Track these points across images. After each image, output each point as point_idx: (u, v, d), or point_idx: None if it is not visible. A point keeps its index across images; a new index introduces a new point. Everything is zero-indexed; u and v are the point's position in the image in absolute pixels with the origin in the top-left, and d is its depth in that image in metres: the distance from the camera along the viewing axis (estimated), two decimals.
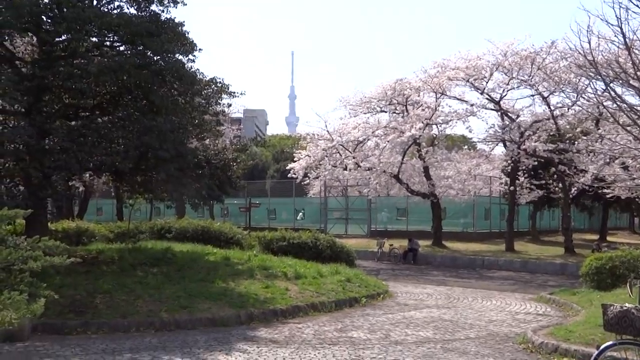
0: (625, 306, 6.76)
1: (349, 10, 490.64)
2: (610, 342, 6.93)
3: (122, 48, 14.86)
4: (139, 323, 11.14)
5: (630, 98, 16.86)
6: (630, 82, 13.09)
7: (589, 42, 13.65)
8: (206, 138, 16.11)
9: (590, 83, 29.26)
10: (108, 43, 14.77)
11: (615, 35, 12.63)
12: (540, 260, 29.57)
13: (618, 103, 16.56)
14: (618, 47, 13.46)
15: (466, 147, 42.89)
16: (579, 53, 23.36)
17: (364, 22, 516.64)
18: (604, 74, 13.53)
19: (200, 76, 15.32)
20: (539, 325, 12.75)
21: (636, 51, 12.59)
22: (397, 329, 11.68)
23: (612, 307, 6.82)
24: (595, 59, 13.64)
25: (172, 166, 13.30)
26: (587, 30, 13.75)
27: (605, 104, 25.69)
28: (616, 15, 11.95)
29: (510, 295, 19.11)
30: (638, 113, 14.83)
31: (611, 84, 25.40)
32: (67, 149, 13.29)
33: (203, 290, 13.04)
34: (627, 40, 12.13)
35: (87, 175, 19.01)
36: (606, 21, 12.34)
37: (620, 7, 11.89)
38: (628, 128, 23.97)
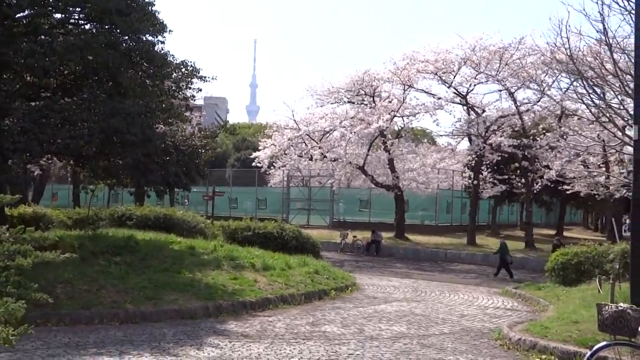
0: (621, 306, 6.63)
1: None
2: (604, 343, 6.80)
3: (88, 26, 14.19)
4: (103, 315, 10.63)
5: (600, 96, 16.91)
6: (609, 78, 13.06)
7: (568, 39, 13.57)
8: (174, 123, 15.52)
9: (556, 80, 29.93)
10: (74, 20, 14.07)
11: (597, 32, 12.54)
12: None
13: (586, 100, 16.73)
14: (599, 44, 13.40)
15: (426, 140, 42.84)
16: (551, 49, 23.57)
17: (328, 11, 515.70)
18: (582, 70, 13.46)
19: (171, 58, 14.75)
20: (512, 320, 12.70)
21: (615, 50, 12.55)
22: (370, 323, 11.45)
23: (607, 307, 6.67)
24: (574, 55, 13.57)
25: (140, 151, 12.74)
26: (566, 27, 13.69)
27: (567, 101, 26.16)
28: (599, 12, 11.87)
29: (475, 289, 19.13)
30: (608, 110, 14.90)
31: (574, 83, 25.82)
32: (27, 130, 12.63)
33: (169, 281, 12.57)
34: (608, 37, 12.07)
35: (46, 158, 18.20)
36: (588, 17, 12.27)
37: (602, 3, 11.80)
38: (591, 126, 24.35)
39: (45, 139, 12.43)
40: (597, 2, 12.29)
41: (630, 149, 22.13)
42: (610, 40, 12.33)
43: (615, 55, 12.41)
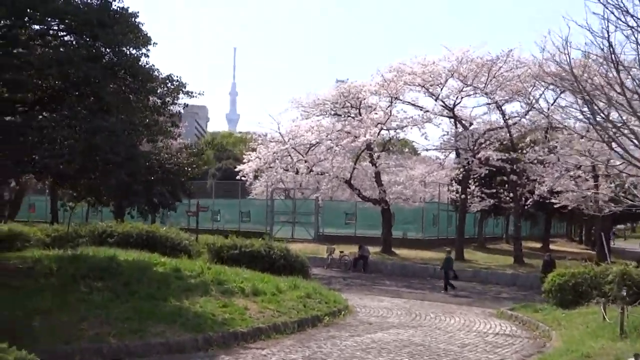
0: None
1: (293, 6, 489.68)
2: None
3: (68, 38, 13.41)
4: (84, 350, 9.86)
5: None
6: (616, 97, 12.59)
7: (569, 55, 13.10)
8: (159, 140, 14.78)
9: (543, 94, 29.71)
10: (53, 32, 13.29)
11: (601, 49, 12.07)
12: (491, 270, 29.38)
13: (575, 115, 16.35)
14: (601, 61, 12.94)
15: (407, 150, 42.05)
16: (539, 63, 23.18)
17: (310, 19, 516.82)
18: (582, 86, 12.99)
19: (156, 73, 14.02)
20: (513, 350, 12.16)
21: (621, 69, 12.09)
22: (369, 356, 10.82)
23: None
24: (576, 73, 13.10)
25: (123, 171, 11.98)
26: (566, 42, 13.22)
27: (556, 115, 25.88)
28: (602, 27, 11.41)
29: (469, 310, 18.59)
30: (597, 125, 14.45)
31: (562, 95, 25.47)
32: (2, 149, 11.84)
33: (155, 310, 11.80)
34: (614, 54, 11.60)
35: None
36: (591, 31, 11.80)
37: (607, 20, 11.34)
38: (581, 141, 23.98)
39: (22, 159, 11.63)
40: (602, 19, 11.84)
41: (617, 163, 21.95)
42: (616, 58, 11.87)
43: (621, 75, 11.95)
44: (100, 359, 9.74)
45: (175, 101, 14.61)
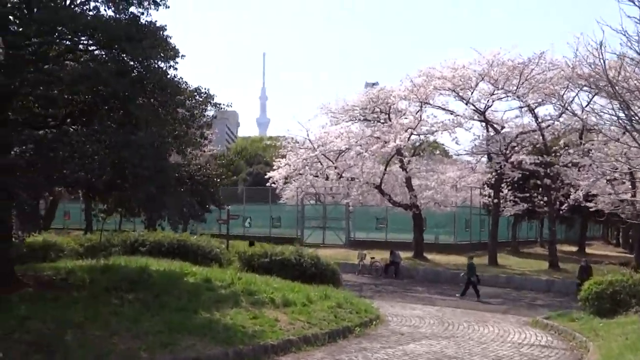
0: None
1: (321, 12, 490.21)
2: None
3: (97, 52, 13.54)
4: None
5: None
6: None
7: (603, 60, 12.76)
8: (187, 151, 14.84)
9: (577, 96, 29.12)
10: (82, 47, 13.42)
11: (637, 52, 11.74)
12: (526, 276, 28.92)
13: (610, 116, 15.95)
14: (636, 62, 12.59)
15: (438, 152, 41.59)
16: (572, 65, 22.73)
17: (337, 23, 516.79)
18: (619, 91, 12.66)
19: (184, 85, 14.07)
20: None
21: None
22: None
23: None
24: (609, 76, 12.78)
25: (152, 185, 12.02)
26: (601, 46, 12.89)
27: (591, 116, 25.32)
28: (638, 30, 11.08)
29: (503, 319, 18.27)
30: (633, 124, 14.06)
31: (595, 97, 24.92)
32: (34, 164, 11.96)
33: (185, 323, 11.79)
34: None
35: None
36: (627, 35, 11.47)
37: None
38: (617, 143, 23.41)
39: (52, 173, 11.75)
40: (637, 22, 11.52)
41: None
42: None
43: None
44: None
45: (204, 113, 14.66)
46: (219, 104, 14.56)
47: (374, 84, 55.12)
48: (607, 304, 16.65)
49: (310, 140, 33.88)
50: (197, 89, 14.31)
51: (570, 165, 29.46)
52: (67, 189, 13.94)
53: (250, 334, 11.85)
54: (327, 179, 33.38)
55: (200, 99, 14.29)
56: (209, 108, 14.59)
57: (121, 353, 10.27)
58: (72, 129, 13.61)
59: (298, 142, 35.23)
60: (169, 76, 13.35)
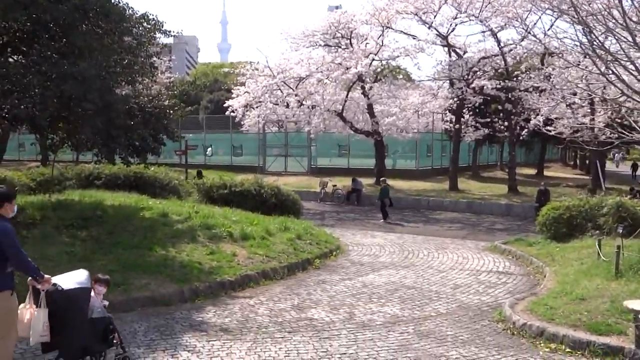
0: None
1: None
2: None
3: None
4: None
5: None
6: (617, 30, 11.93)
7: None
8: (137, 82, 14.10)
9: (540, 19, 28.73)
10: None
11: None
12: (485, 201, 29.27)
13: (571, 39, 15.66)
14: None
15: (401, 77, 41.25)
16: None
17: None
18: (583, 17, 12.30)
19: (130, 12, 13.18)
20: (507, 290, 11.99)
21: None
22: (360, 303, 10.60)
23: None
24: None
25: (99, 119, 11.40)
26: None
27: (553, 41, 25.03)
28: None
29: (463, 244, 18.46)
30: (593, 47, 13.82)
31: (559, 19, 24.58)
32: None
33: (140, 261, 11.48)
34: None
35: None
36: None
37: None
38: (577, 67, 23.25)
39: None
40: None
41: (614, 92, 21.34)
42: None
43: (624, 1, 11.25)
44: None
45: (152, 42, 13.86)
46: (168, 31, 13.77)
47: (337, 7, 53.71)
48: (564, 229, 16.86)
49: (269, 67, 32.98)
50: (143, 15, 13.46)
51: (531, 90, 29.36)
52: (9, 125, 13.15)
53: (207, 271, 11.63)
54: (287, 106, 32.73)
55: (149, 26, 13.46)
56: (158, 35, 13.79)
57: None
58: (11, 60, 12.78)
59: (257, 69, 34.28)
60: (113, 2, 12.47)
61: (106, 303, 7.42)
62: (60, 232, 12.99)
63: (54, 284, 6.45)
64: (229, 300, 10.59)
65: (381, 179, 27.32)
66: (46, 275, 6.45)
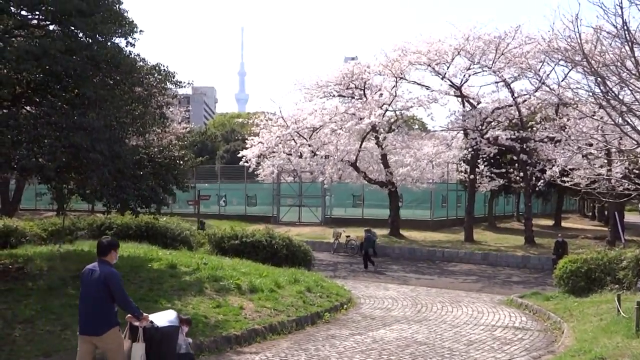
0: None
1: None
2: None
3: (52, 28, 12.71)
4: None
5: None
6: (629, 79, 11.78)
7: (579, 33, 12.26)
8: (148, 133, 14.14)
9: (553, 70, 28.74)
10: (34, 23, 12.58)
11: (614, 26, 11.24)
12: (501, 252, 28.74)
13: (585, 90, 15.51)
14: (615, 39, 12.10)
15: (416, 127, 41.49)
16: (549, 38, 22.26)
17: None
18: (596, 68, 12.17)
19: (142, 62, 13.29)
20: (523, 347, 11.53)
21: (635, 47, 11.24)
22: (369, 359, 10.21)
23: None
24: (585, 50, 12.28)
25: (106, 170, 11.34)
26: (576, 18, 12.38)
27: (567, 91, 24.95)
28: (619, 5, 10.55)
29: (478, 298, 17.98)
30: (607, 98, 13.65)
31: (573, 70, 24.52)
32: None
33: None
34: (628, 31, 10.77)
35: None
36: (604, 7, 10.94)
37: None
38: (594, 117, 23.08)
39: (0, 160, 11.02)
40: None
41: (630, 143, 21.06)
42: (631, 35, 11.03)
43: (636, 51, 11.12)
44: None
45: (163, 92, 13.94)
46: (180, 82, 13.85)
47: (353, 59, 54.27)
48: (582, 282, 16.41)
49: (283, 118, 33.14)
50: (155, 66, 13.57)
51: (546, 140, 29.15)
52: (20, 175, 13.16)
53: (213, 324, 11.33)
54: (301, 156, 32.70)
55: (160, 77, 13.54)
56: (169, 86, 13.86)
57: (72, 349, 9.67)
58: (25, 111, 12.88)
59: (271, 120, 34.48)
60: (124, 53, 12.58)
61: (190, 341, 8.21)
62: (67, 284, 12.78)
63: (151, 322, 7.30)
64: (235, 357, 10.27)
65: (365, 229, 27.27)
66: (144, 314, 7.35)
